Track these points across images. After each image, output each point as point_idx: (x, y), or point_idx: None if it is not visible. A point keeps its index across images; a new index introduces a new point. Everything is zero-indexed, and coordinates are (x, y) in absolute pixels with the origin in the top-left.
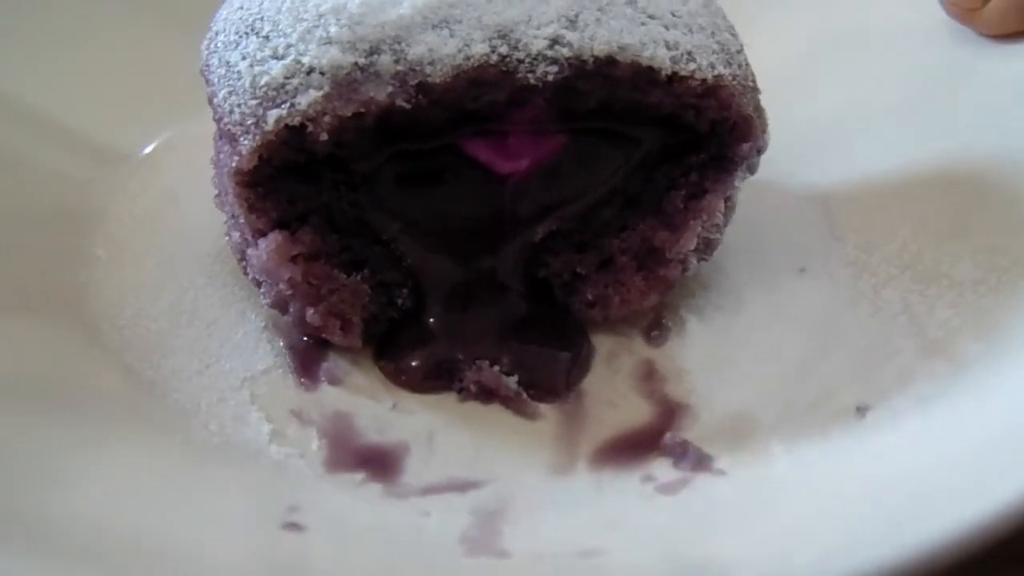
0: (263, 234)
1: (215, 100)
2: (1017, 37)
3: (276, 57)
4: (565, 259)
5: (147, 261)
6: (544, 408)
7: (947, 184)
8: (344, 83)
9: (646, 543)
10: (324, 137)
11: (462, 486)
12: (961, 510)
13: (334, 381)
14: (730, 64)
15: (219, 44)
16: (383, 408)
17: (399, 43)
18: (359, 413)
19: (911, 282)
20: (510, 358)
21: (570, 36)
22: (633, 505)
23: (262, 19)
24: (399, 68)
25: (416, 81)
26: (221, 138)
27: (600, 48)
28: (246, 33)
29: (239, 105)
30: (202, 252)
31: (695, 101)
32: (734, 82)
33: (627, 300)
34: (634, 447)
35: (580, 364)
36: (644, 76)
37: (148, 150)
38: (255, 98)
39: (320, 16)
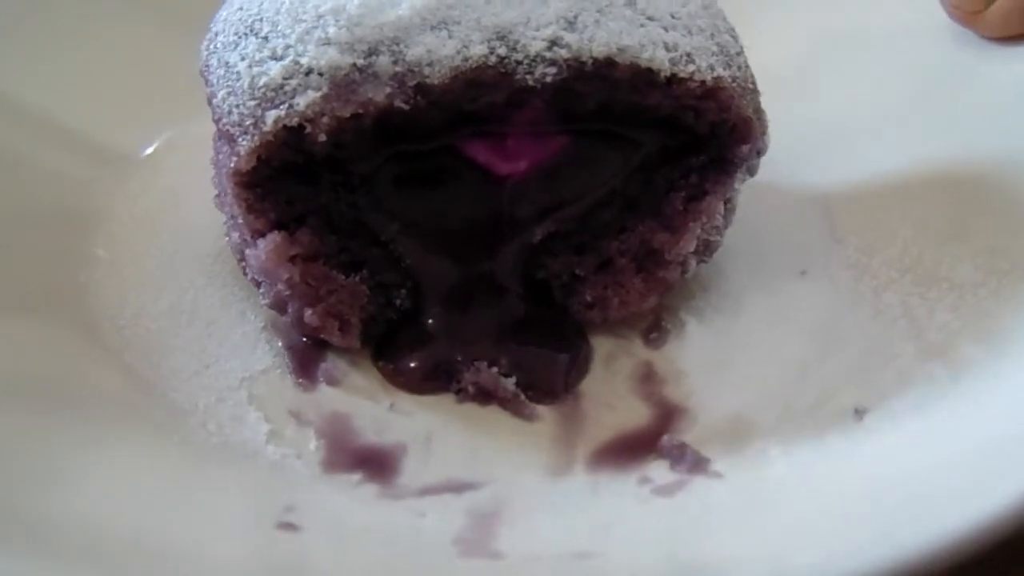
0: (262, 235)
1: (214, 101)
2: (1019, 39)
3: (275, 58)
4: (564, 260)
5: (147, 261)
6: (542, 409)
7: (948, 186)
8: (342, 84)
9: (641, 545)
10: (322, 138)
11: (459, 487)
12: (958, 512)
13: (332, 382)
14: (730, 66)
15: (218, 45)
16: (381, 409)
17: (397, 44)
18: (357, 414)
19: (911, 285)
20: (508, 359)
21: (569, 38)
22: (629, 507)
23: (261, 20)
24: (397, 69)
25: (414, 82)
26: (220, 139)
27: (599, 50)
28: (245, 34)
29: (238, 106)
30: (202, 252)
31: (694, 103)
32: (733, 84)
33: (626, 302)
34: (632, 449)
35: (579, 366)
36: (643, 78)
37: (149, 151)
38: (254, 99)
39: (319, 17)
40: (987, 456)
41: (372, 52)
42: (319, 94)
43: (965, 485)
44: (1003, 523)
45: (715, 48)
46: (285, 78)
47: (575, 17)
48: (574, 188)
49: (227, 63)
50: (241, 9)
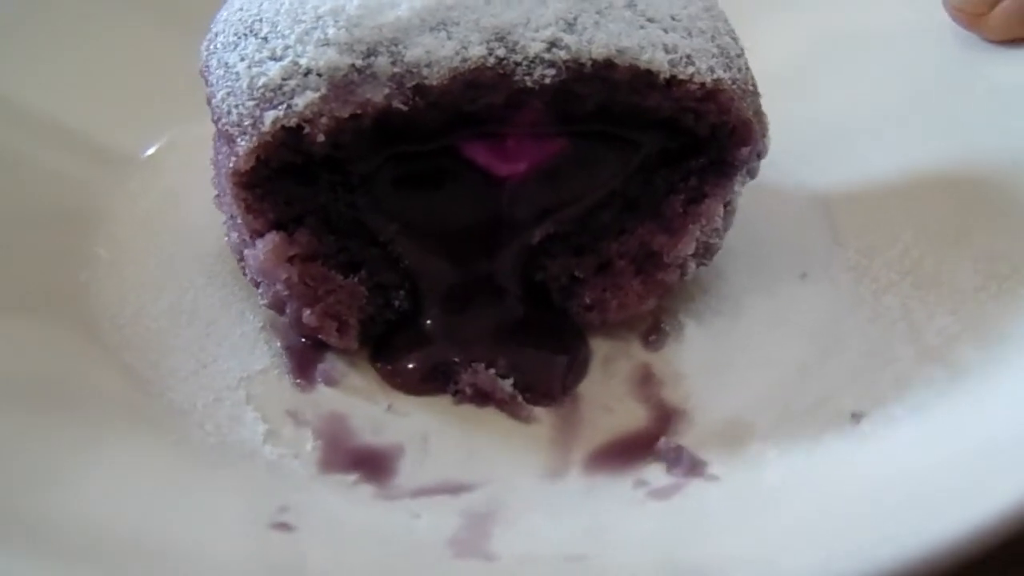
0: (260, 235)
1: (213, 101)
2: (1022, 43)
3: (274, 58)
4: (563, 262)
5: (148, 261)
6: (539, 411)
7: (950, 189)
8: (341, 85)
9: (635, 548)
10: (321, 138)
11: (455, 488)
12: (956, 515)
13: (330, 382)
14: (730, 68)
15: (218, 45)
16: (378, 409)
17: (396, 45)
18: (354, 414)
19: (911, 288)
20: (506, 361)
21: (568, 39)
22: (623, 510)
23: (261, 20)
24: (396, 70)
25: (413, 83)
26: (220, 139)
27: (598, 51)
28: (245, 34)
29: (237, 106)
30: (203, 252)
31: (694, 105)
32: (734, 86)
33: (625, 304)
34: (628, 452)
35: (577, 368)
36: (642, 79)
37: (151, 151)
38: (252, 99)
39: (318, 18)
40: (984, 459)
41: (371, 53)
42: (318, 95)
43: (962, 487)
44: (1000, 525)
45: (715, 50)
46: (284, 79)
47: (574, 19)
48: (573, 190)
49: (227, 63)
50: (241, 10)
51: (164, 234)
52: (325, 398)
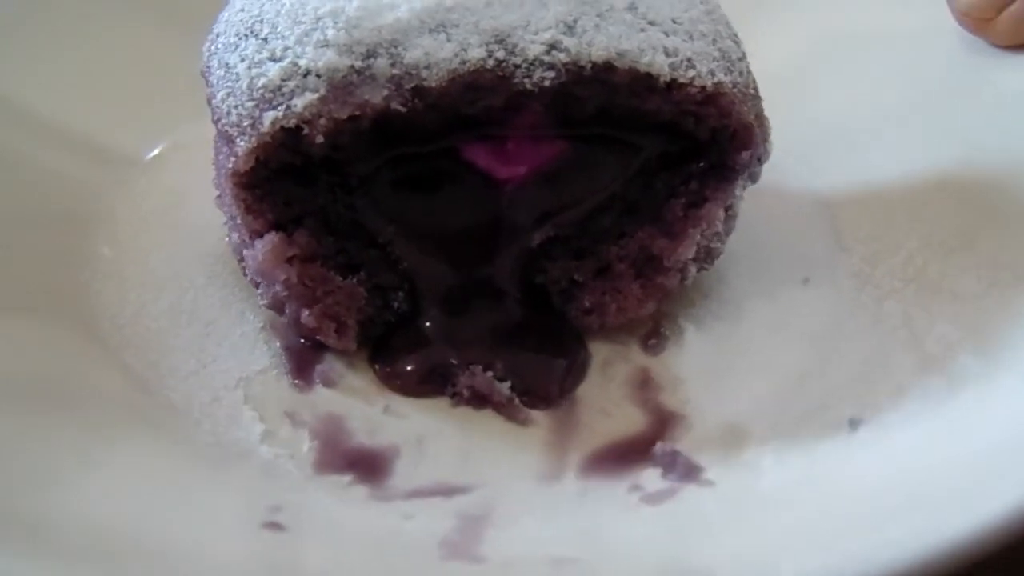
0: (260, 235)
1: (214, 101)
2: None
3: (273, 59)
4: (563, 265)
5: (149, 260)
6: (536, 414)
7: (955, 196)
8: (340, 86)
9: (625, 553)
10: (320, 139)
11: (449, 490)
12: (950, 521)
13: (328, 383)
14: (731, 71)
15: (219, 46)
16: (375, 411)
17: (396, 47)
18: (351, 415)
19: (914, 295)
20: (504, 364)
21: (568, 42)
22: (616, 514)
23: (261, 21)
24: (395, 72)
25: (412, 85)
26: (220, 139)
27: (598, 54)
28: (245, 35)
29: (236, 107)
30: (204, 252)
31: (694, 108)
32: (734, 89)
33: (624, 308)
34: (625, 456)
35: (575, 372)
36: (642, 82)
37: (155, 152)
38: (252, 100)
39: (318, 19)
40: (981, 465)
41: (370, 54)
42: (316, 96)
43: (958, 493)
44: (997, 531)
45: (716, 53)
46: (283, 79)
47: (574, 21)
48: (573, 193)
49: (227, 64)
50: (242, 11)
51: (166, 234)
52: (323, 399)
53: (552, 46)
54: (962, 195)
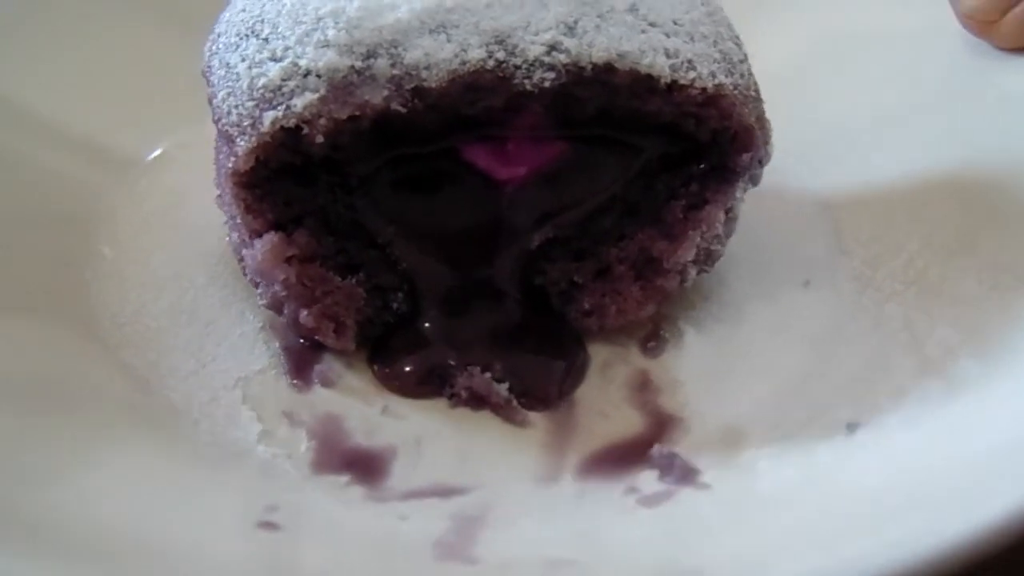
0: (259, 235)
1: (214, 101)
2: None
3: (274, 59)
4: (562, 267)
5: (150, 260)
6: (534, 416)
7: (957, 198)
8: (340, 86)
9: (619, 555)
10: (320, 139)
11: (446, 492)
12: (946, 526)
13: (327, 383)
14: (732, 73)
15: (220, 46)
16: (374, 411)
17: (396, 47)
18: (349, 415)
19: (915, 298)
20: (503, 365)
21: (568, 43)
22: (612, 517)
23: (262, 21)
24: (395, 72)
25: (412, 85)
26: (220, 139)
27: (598, 55)
28: (246, 35)
29: (237, 106)
30: (205, 252)
31: (695, 110)
32: (735, 91)
33: (624, 310)
34: (622, 458)
35: (574, 374)
36: (643, 84)
37: (158, 152)
38: (252, 99)
39: (319, 19)
40: (978, 469)
41: (370, 55)
42: (316, 96)
43: (955, 497)
44: (993, 535)
45: (717, 55)
46: (283, 79)
47: (575, 22)
48: (573, 194)
49: (228, 64)
50: (244, 11)
51: (166, 234)
52: (321, 399)
53: (552, 47)
54: (964, 197)
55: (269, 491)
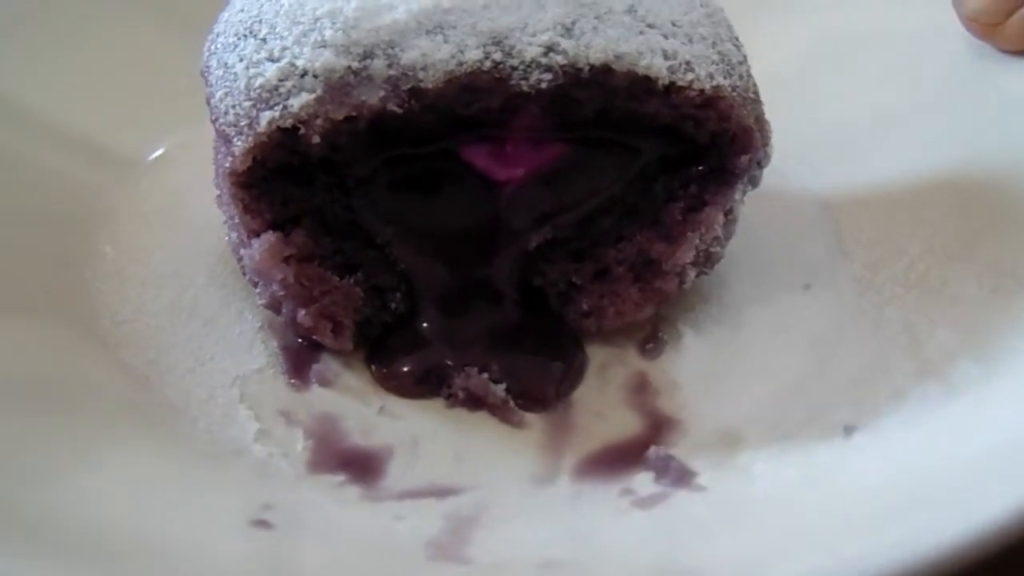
0: (257, 234)
1: (212, 101)
2: None
3: (271, 59)
4: (561, 268)
5: (151, 259)
6: (531, 417)
7: (958, 200)
8: (337, 86)
9: (612, 556)
10: (316, 140)
11: (442, 492)
12: (943, 527)
13: (324, 383)
14: (730, 75)
15: (219, 46)
16: (371, 411)
17: (393, 48)
18: (346, 415)
19: (916, 302)
20: (501, 366)
21: (565, 44)
22: (605, 518)
23: (260, 22)
24: (392, 73)
25: (408, 86)
26: (218, 139)
27: (596, 56)
28: (244, 35)
29: (234, 106)
30: (205, 251)
31: (693, 112)
32: (734, 93)
33: (622, 311)
34: (619, 460)
35: (572, 375)
36: (641, 85)
37: (159, 152)
38: (249, 99)
39: (316, 20)
40: (976, 470)
41: (367, 55)
42: (313, 96)
43: (953, 498)
44: (990, 538)
45: (716, 57)
46: (280, 79)
47: (573, 23)
48: (572, 195)
49: (226, 64)
50: (242, 11)
51: (167, 233)
52: (318, 398)
53: (550, 48)
54: (965, 199)
55: (264, 490)
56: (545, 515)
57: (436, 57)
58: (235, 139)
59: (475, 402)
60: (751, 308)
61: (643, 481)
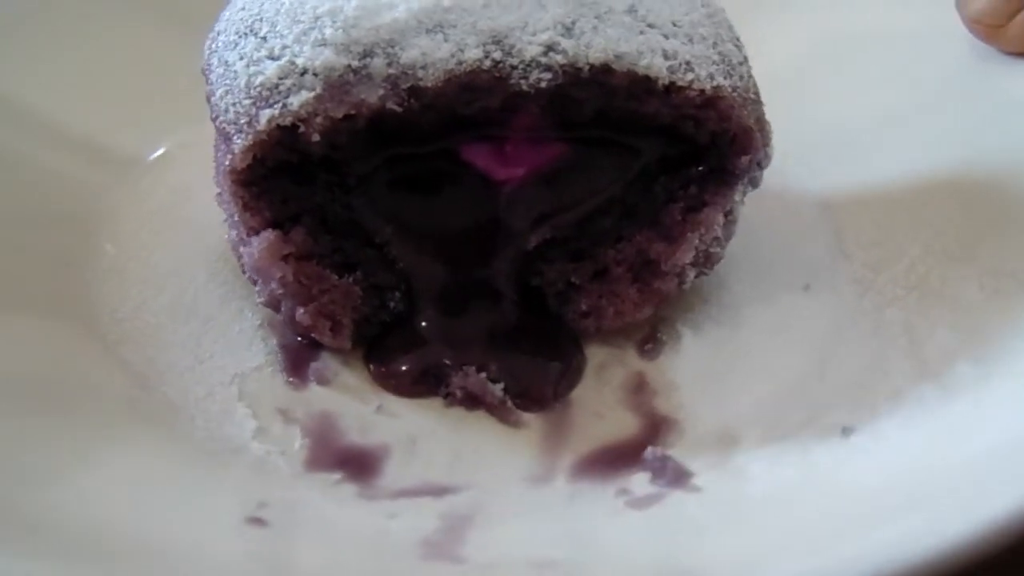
0: (256, 232)
1: (213, 99)
2: None
3: (271, 58)
4: (559, 268)
5: (151, 257)
6: (529, 417)
7: (959, 201)
8: (336, 85)
9: (606, 556)
10: (316, 138)
11: (437, 491)
12: (941, 528)
13: (322, 381)
14: (731, 75)
15: (220, 44)
16: (368, 410)
17: (392, 47)
18: (344, 414)
19: (916, 303)
20: (499, 365)
21: (565, 43)
22: (600, 518)
23: (261, 20)
24: (391, 71)
25: (408, 85)
26: (219, 137)
27: (595, 56)
28: (245, 34)
29: (234, 104)
30: (205, 249)
31: (694, 112)
32: (734, 93)
33: (621, 311)
34: (616, 460)
35: (570, 375)
36: (640, 85)
37: (161, 151)
38: (249, 97)
39: (316, 18)
40: (975, 471)
41: (367, 54)
42: (312, 94)
43: (951, 499)
44: (989, 537)
45: (716, 57)
46: (280, 78)
47: (573, 23)
48: (571, 195)
49: (226, 62)
50: (243, 9)
51: (168, 232)
52: (317, 397)
53: (549, 48)
54: (965, 200)
55: (260, 488)
56: (541, 515)
57: (436, 56)
58: (235, 137)
59: (473, 401)
60: (750, 308)
61: (639, 481)
